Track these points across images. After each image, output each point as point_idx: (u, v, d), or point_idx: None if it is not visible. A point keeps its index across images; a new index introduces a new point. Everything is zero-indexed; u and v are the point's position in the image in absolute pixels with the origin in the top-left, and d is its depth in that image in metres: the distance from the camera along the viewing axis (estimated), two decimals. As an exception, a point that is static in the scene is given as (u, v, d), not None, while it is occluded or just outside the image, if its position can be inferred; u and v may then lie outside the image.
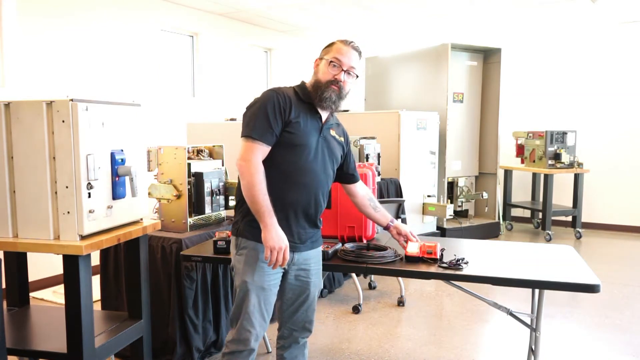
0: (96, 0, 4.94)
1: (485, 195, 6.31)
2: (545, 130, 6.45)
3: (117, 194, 2.21)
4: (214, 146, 3.33)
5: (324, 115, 2.14)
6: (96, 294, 2.67)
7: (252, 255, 2.02)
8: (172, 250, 2.88)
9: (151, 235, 2.91)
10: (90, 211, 2.06)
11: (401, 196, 5.27)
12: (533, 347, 2.47)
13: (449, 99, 6.16)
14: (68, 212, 2.02)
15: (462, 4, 5.92)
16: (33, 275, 3.15)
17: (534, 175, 7.15)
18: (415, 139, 5.68)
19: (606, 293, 4.35)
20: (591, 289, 2.15)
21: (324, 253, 2.52)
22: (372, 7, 6.06)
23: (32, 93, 4.30)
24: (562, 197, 6.93)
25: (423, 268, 2.40)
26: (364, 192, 2.45)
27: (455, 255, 2.48)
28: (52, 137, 2.01)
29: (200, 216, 3.10)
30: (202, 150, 3.21)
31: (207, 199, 3.06)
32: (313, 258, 2.20)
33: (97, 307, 3.09)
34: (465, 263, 2.39)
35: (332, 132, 2.19)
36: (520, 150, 6.90)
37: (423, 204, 5.78)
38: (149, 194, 2.99)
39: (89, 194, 2.05)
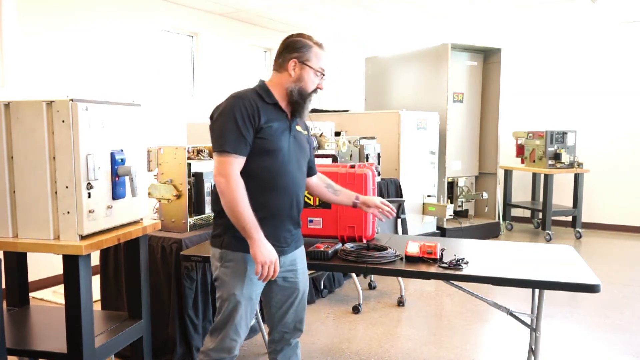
0: (96, 0, 4.94)
1: (485, 195, 6.31)
2: (545, 130, 6.45)
3: (117, 194, 2.21)
4: (214, 146, 3.32)
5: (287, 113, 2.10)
6: (96, 294, 2.67)
7: (239, 267, 1.99)
8: (172, 250, 2.88)
9: (151, 235, 2.91)
10: (90, 211, 2.06)
11: (401, 196, 5.27)
12: (533, 347, 2.47)
13: (449, 99, 6.16)
14: (68, 212, 2.02)
15: (462, 4, 5.92)
16: (33, 275, 3.15)
17: (534, 175, 7.15)
18: (415, 139, 5.69)
19: (606, 293, 4.35)
20: (591, 289, 2.15)
21: (324, 253, 2.52)
22: (372, 7, 6.05)
23: (32, 93, 4.30)
24: (562, 197, 6.93)
25: (423, 268, 2.40)
26: (317, 180, 2.40)
27: (455, 255, 2.48)
28: (52, 137, 2.01)
29: (200, 216, 3.10)
30: (202, 150, 3.21)
31: (207, 199, 3.06)
32: (299, 258, 2.20)
33: (97, 307, 3.09)
34: (465, 263, 2.39)
35: (298, 128, 2.16)
36: (520, 150, 6.90)
37: (423, 204, 5.78)
38: (149, 194, 2.98)
39: (89, 194, 2.05)
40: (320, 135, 4.32)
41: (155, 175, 3.05)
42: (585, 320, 3.83)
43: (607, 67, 6.95)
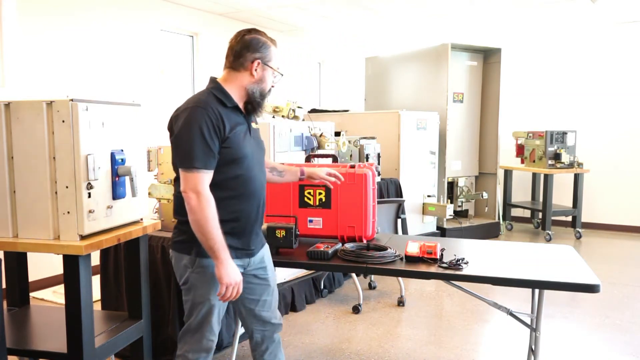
0: (96, 0, 4.94)
1: (485, 195, 6.31)
2: (545, 130, 6.45)
3: (117, 194, 2.21)
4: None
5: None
6: (96, 294, 2.67)
7: (213, 272, 1.95)
8: (172, 250, 2.88)
9: (151, 235, 2.91)
10: (90, 211, 2.06)
11: (401, 196, 5.27)
12: (533, 347, 2.47)
13: (449, 99, 6.16)
14: (68, 212, 2.02)
15: (462, 4, 5.92)
16: (33, 275, 3.15)
17: (534, 175, 7.15)
18: (415, 139, 5.69)
19: (606, 293, 4.35)
20: (591, 289, 2.15)
21: (324, 253, 2.53)
22: (372, 7, 6.05)
23: (32, 93, 4.30)
24: (562, 197, 6.93)
25: (423, 268, 2.40)
26: None
27: (455, 255, 2.48)
28: (52, 137, 2.01)
29: (200, 216, 3.09)
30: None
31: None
32: (265, 254, 2.22)
33: (97, 307, 3.09)
34: (465, 263, 2.39)
35: (254, 125, 2.14)
36: (520, 150, 6.90)
37: (423, 204, 5.78)
38: (149, 194, 2.98)
39: (89, 194, 2.05)
40: (320, 135, 4.32)
41: (155, 175, 3.04)
42: (585, 320, 3.83)
43: (607, 67, 6.95)
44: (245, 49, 1.99)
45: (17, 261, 2.52)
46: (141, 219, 2.45)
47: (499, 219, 6.72)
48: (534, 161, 6.65)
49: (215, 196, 1.89)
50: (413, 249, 2.48)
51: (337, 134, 4.89)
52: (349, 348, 3.33)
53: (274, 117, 3.99)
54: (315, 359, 3.18)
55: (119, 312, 2.71)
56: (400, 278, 4.18)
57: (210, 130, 1.86)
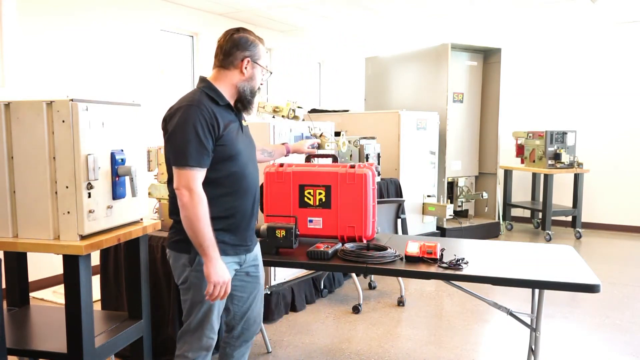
0: (96, 0, 4.94)
1: (485, 195, 6.31)
2: (545, 130, 6.44)
3: (117, 194, 2.21)
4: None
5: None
6: (96, 294, 2.67)
7: None
8: (172, 250, 2.88)
9: (151, 235, 2.91)
10: (90, 211, 2.05)
11: (401, 196, 5.27)
12: (533, 347, 2.47)
13: (449, 99, 6.15)
14: (68, 212, 2.02)
15: (462, 4, 5.92)
16: (33, 275, 3.15)
17: (534, 175, 7.15)
18: (415, 139, 5.69)
19: (606, 293, 4.35)
20: (591, 289, 2.15)
21: (324, 253, 2.53)
22: (372, 7, 6.05)
23: (32, 93, 4.30)
24: (562, 197, 6.93)
25: (423, 268, 2.40)
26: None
27: (455, 255, 2.48)
28: (52, 137, 2.01)
29: (200, 216, 3.09)
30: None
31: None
32: (258, 252, 2.25)
33: (97, 307, 3.09)
34: (465, 263, 2.39)
35: (244, 122, 2.17)
36: (520, 150, 6.90)
37: (423, 204, 5.78)
38: (149, 194, 2.98)
39: (89, 194, 2.04)
40: (321, 135, 4.32)
41: (155, 175, 3.04)
42: (585, 320, 3.83)
43: (607, 67, 6.95)
44: (235, 47, 2.01)
45: (17, 261, 2.52)
46: (141, 219, 2.45)
47: (499, 219, 6.72)
48: (534, 161, 6.65)
49: (210, 194, 1.90)
50: (413, 249, 2.48)
51: (337, 134, 4.88)
52: (349, 348, 3.33)
53: (274, 117, 3.99)
54: (315, 359, 3.18)
55: (119, 312, 2.71)
56: (400, 278, 4.18)
57: (204, 129, 1.88)
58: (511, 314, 2.46)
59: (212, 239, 1.87)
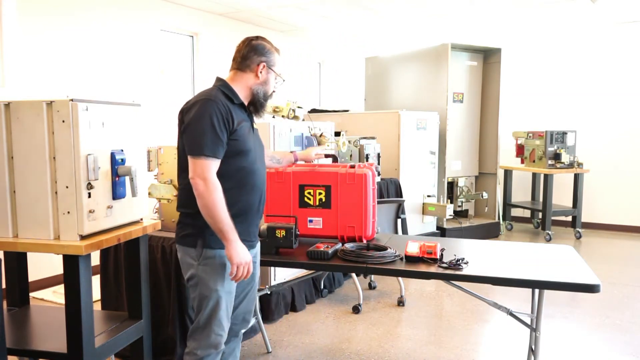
0: (96, 0, 4.94)
1: (485, 195, 6.31)
2: (545, 130, 6.44)
3: (117, 194, 2.21)
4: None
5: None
6: (96, 294, 2.67)
7: (219, 263, 2.04)
8: (172, 250, 2.88)
9: (151, 235, 2.91)
10: (90, 211, 2.06)
11: (401, 196, 5.27)
12: (533, 347, 2.47)
13: (449, 99, 6.16)
14: (68, 212, 2.02)
15: (462, 4, 5.92)
16: (33, 275, 3.15)
17: (534, 175, 7.15)
18: (415, 139, 5.69)
19: (606, 293, 4.35)
20: (591, 289, 2.15)
21: (324, 253, 2.53)
22: (372, 7, 6.05)
23: (32, 93, 4.30)
24: (562, 197, 6.93)
25: (423, 268, 2.40)
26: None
27: (455, 255, 2.48)
28: (52, 137, 2.01)
29: (200, 216, 3.09)
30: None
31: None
32: (257, 251, 2.31)
33: (97, 307, 3.09)
34: (465, 263, 2.39)
35: (255, 125, 2.25)
36: (520, 150, 6.90)
37: (423, 204, 5.78)
38: (149, 194, 2.98)
39: (89, 194, 2.04)
40: (320, 135, 4.32)
41: (155, 175, 3.04)
42: (585, 320, 3.83)
43: (607, 67, 6.95)
44: (252, 52, 2.13)
45: (17, 261, 2.52)
46: (141, 219, 2.45)
47: (499, 219, 6.72)
48: (534, 161, 6.65)
49: (221, 185, 1.97)
50: (413, 249, 2.48)
51: (337, 134, 4.88)
52: (349, 348, 3.33)
53: (274, 117, 3.98)
54: (315, 359, 3.18)
55: (119, 312, 2.71)
56: (400, 278, 4.18)
57: (220, 122, 1.97)
58: (511, 314, 2.46)
59: (231, 224, 1.95)
